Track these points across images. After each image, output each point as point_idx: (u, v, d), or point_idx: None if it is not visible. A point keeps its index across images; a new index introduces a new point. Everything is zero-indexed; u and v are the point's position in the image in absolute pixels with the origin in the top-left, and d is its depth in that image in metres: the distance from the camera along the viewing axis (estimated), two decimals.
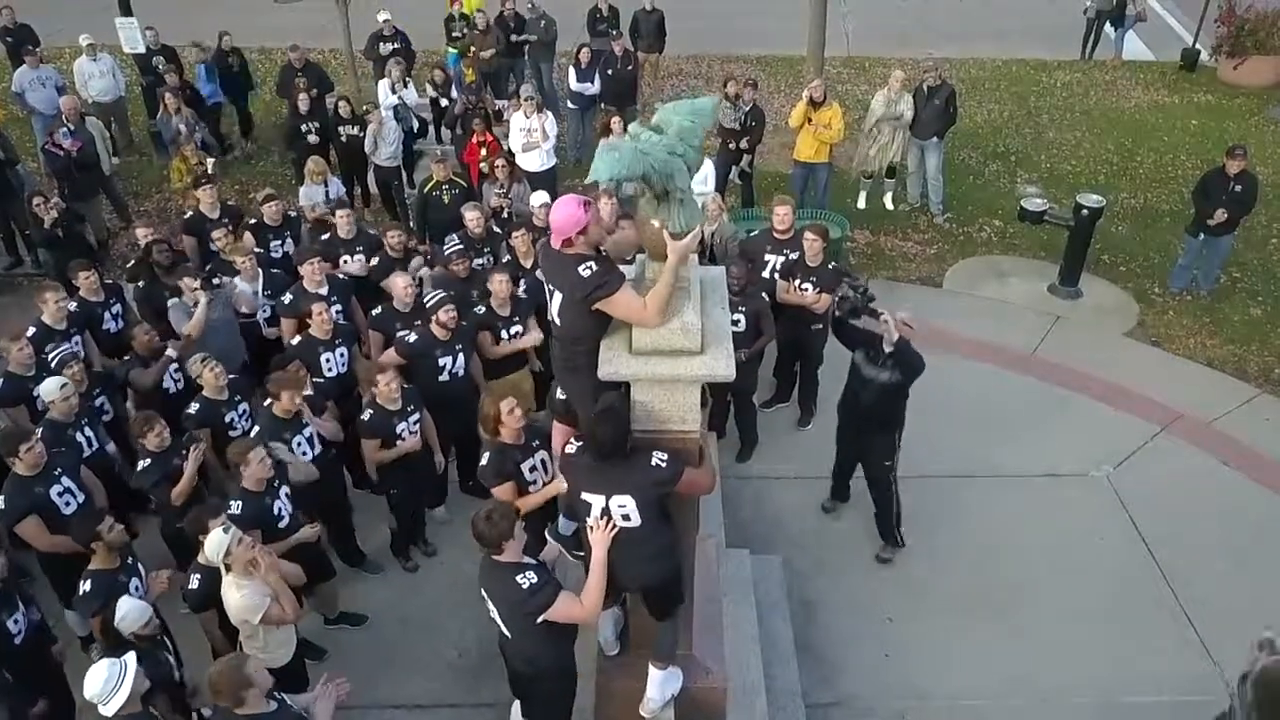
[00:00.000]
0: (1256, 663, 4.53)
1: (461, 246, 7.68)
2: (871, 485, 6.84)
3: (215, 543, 4.66)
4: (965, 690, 6.00)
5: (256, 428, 5.96)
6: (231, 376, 6.39)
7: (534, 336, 7.04)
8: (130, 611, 4.60)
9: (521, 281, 7.25)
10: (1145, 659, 6.20)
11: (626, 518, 4.15)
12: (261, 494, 5.38)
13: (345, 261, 7.73)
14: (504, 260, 7.78)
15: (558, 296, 4.14)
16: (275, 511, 5.45)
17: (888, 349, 6.20)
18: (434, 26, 13.70)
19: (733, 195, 10.98)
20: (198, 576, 4.99)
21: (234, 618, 4.74)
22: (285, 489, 5.58)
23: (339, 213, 8.01)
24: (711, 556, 5.61)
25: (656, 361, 4.06)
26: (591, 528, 4.22)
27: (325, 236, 8.01)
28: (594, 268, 3.96)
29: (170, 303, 7.10)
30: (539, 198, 8.33)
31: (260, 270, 7.47)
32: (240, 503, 5.30)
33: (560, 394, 4.57)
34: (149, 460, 5.75)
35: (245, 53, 12.92)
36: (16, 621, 5.06)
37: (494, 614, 4.42)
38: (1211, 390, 8.56)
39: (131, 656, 4.20)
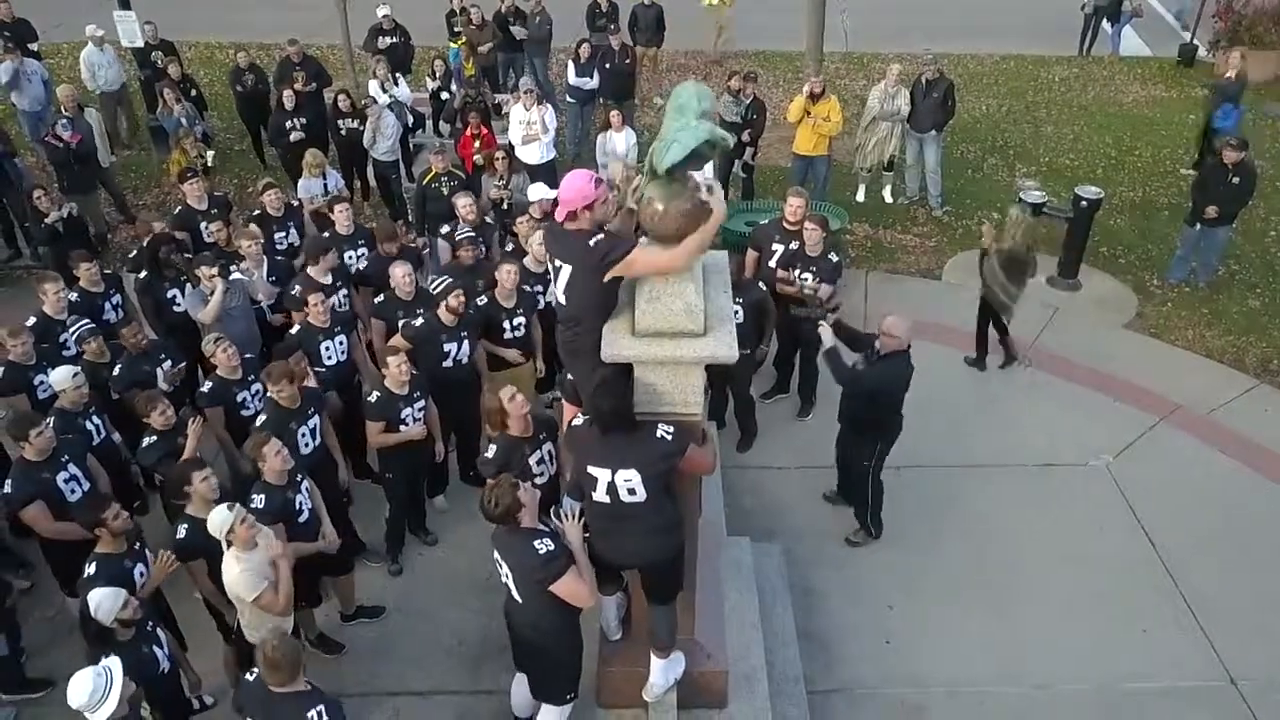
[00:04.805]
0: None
1: (472, 234, 7.61)
2: (852, 480, 6.92)
3: (219, 520, 4.67)
4: (965, 677, 6.02)
5: (263, 416, 5.95)
6: (247, 356, 6.41)
7: (532, 336, 7.05)
8: (103, 600, 4.38)
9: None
10: (1144, 646, 6.22)
11: (632, 491, 4.17)
12: (284, 487, 5.35)
13: (350, 259, 7.71)
14: (508, 250, 7.77)
15: (565, 271, 4.13)
16: (296, 506, 5.44)
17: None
18: (436, 20, 13.68)
19: (734, 188, 10.99)
20: (185, 526, 5.00)
21: (230, 592, 4.74)
22: (306, 483, 5.57)
23: (336, 207, 7.92)
24: (713, 542, 5.62)
25: (659, 343, 4.08)
26: (568, 515, 4.39)
27: (326, 234, 7.95)
28: (602, 237, 4.01)
29: (187, 291, 7.09)
30: (537, 190, 8.31)
31: (265, 258, 7.46)
32: (263, 496, 5.28)
33: (570, 376, 4.60)
34: (154, 438, 5.78)
35: (240, 49, 12.80)
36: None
37: (505, 578, 4.43)
38: (1210, 381, 8.60)
39: (116, 662, 4.10)
